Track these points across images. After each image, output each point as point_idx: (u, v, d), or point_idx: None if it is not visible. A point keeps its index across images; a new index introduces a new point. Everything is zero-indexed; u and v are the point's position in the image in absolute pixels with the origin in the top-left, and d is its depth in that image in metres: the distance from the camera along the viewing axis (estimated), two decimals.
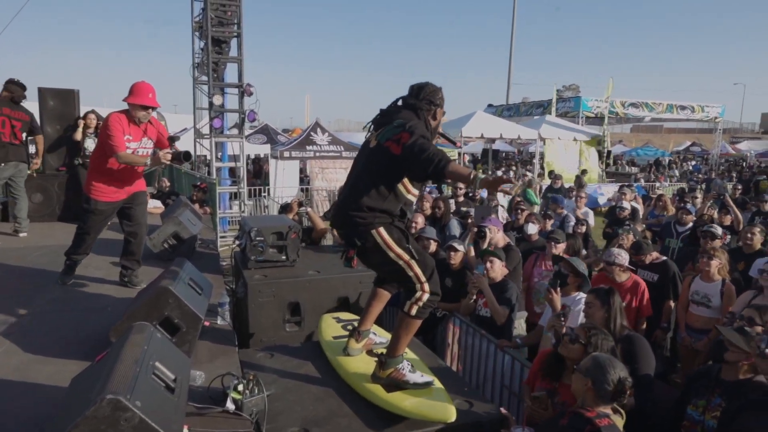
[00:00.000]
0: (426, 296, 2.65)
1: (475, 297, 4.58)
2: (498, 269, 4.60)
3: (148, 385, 1.93)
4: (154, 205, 8.38)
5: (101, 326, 3.33)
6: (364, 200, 2.56)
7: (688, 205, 8.38)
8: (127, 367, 1.92)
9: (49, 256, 5.16)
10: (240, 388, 2.44)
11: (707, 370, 2.98)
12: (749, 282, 5.05)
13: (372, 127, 2.77)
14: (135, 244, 4.48)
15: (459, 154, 18.84)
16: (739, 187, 12.76)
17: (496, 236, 5.44)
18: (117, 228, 6.57)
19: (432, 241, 5.35)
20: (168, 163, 4.22)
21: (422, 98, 2.72)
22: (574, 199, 9.00)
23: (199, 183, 8.92)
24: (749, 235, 5.57)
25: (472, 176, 2.31)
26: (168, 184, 9.60)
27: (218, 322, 3.51)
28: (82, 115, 7.35)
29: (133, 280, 4.49)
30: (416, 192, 2.71)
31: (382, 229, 2.58)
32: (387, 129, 2.61)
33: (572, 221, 7.68)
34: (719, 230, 5.64)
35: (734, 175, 21.02)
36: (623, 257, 4.79)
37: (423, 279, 2.64)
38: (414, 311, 2.66)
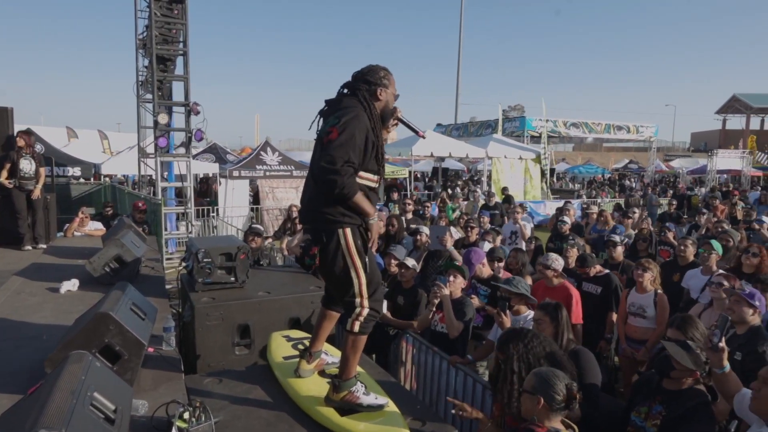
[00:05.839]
0: (366, 311, 2.65)
1: (434, 310, 4.57)
2: (459, 285, 4.63)
3: (86, 418, 1.83)
4: (96, 227, 8.06)
5: (35, 357, 3.13)
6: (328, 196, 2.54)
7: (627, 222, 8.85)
8: (63, 399, 1.82)
9: None
10: (186, 416, 2.35)
11: (649, 377, 3.10)
12: (681, 292, 5.34)
13: (321, 119, 2.72)
14: None
15: (410, 172, 19.13)
16: (674, 202, 13.49)
17: (483, 270, 5.31)
18: (55, 251, 6.29)
19: (394, 261, 5.34)
20: None
21: (358, 79, 2.68)
22: (512, 216, 9.21)
23: (141, 203, 8.64)
24: (682, 248, 5.87)
25: (369, 216, 2.58)
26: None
27: (163, 347, 3.37)
28: (15, 133, 7.00)
29: None
30: (374, 177, 2.67)
31: (348, 231, 2.56)
32: (327, 122, 2.59)
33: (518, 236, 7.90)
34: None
35: (669, 191, 22.20)
36: (558, 263, 4.98)
37: (365, 294, 2.64)
38: (357, 327, 2.65)
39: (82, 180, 14.37)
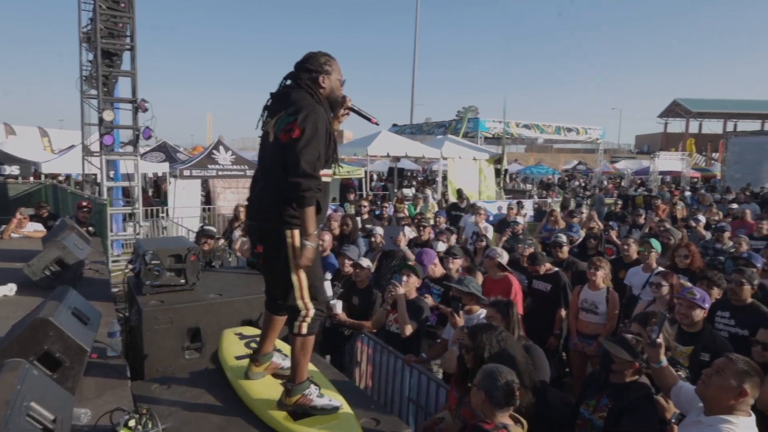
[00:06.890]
0: (312, 312, 2.62)
1: (388, 309, 4.58)
2: (413, 284, 4.65)
3: (22, 429, 1.74)
4: (35, 229, 7.67)
5: None
6: (278, 194, 2.47)
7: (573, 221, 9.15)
8: None
9: None
10: (131, 423, 2.27)
11: (598, 373, 3.25)
12: (624, 289, 5.58)
13: (266, 115, 2.61)
14: None
15: (366, 172, 19.12)
16: (619, 202, 14.04)
17: (435, 270, 5.37)
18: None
19: (348, 261, 5.31)
20: None
21: (299, 68, 2.61)
22: (473, 215, 9.37)
23: (85, 203, 8.28)
24: (626, 247, 6.14)
25: (309, 236, 2.42)
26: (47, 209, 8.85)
27: (108, 353, 3.25)
28: None
29: None
30: (328, 172, 2.59)
31: (297, 233, 2.48)
32: (281, 119, 2.49)
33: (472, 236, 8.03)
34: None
35: (616, 191, 23.05)
36: (503, 257, 5.12)
37: (307, 299, 2.60)
38: (305, 329, 2.62)
39: (20, 179, 13.68)
